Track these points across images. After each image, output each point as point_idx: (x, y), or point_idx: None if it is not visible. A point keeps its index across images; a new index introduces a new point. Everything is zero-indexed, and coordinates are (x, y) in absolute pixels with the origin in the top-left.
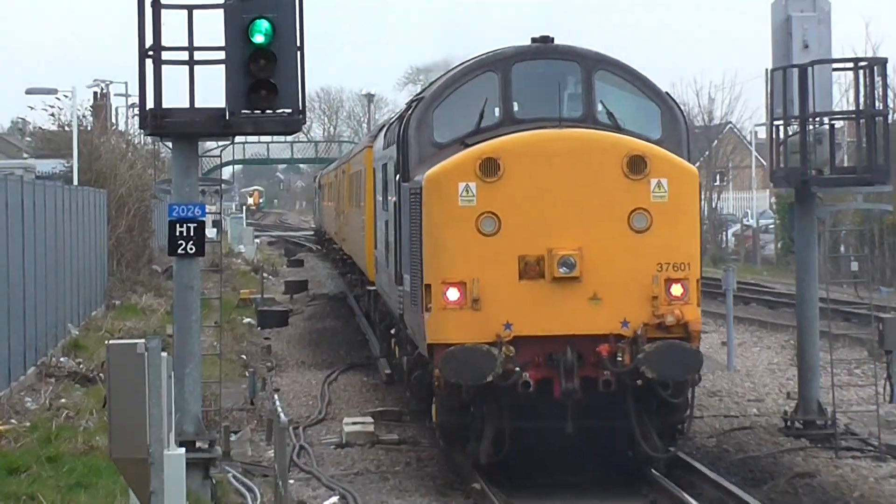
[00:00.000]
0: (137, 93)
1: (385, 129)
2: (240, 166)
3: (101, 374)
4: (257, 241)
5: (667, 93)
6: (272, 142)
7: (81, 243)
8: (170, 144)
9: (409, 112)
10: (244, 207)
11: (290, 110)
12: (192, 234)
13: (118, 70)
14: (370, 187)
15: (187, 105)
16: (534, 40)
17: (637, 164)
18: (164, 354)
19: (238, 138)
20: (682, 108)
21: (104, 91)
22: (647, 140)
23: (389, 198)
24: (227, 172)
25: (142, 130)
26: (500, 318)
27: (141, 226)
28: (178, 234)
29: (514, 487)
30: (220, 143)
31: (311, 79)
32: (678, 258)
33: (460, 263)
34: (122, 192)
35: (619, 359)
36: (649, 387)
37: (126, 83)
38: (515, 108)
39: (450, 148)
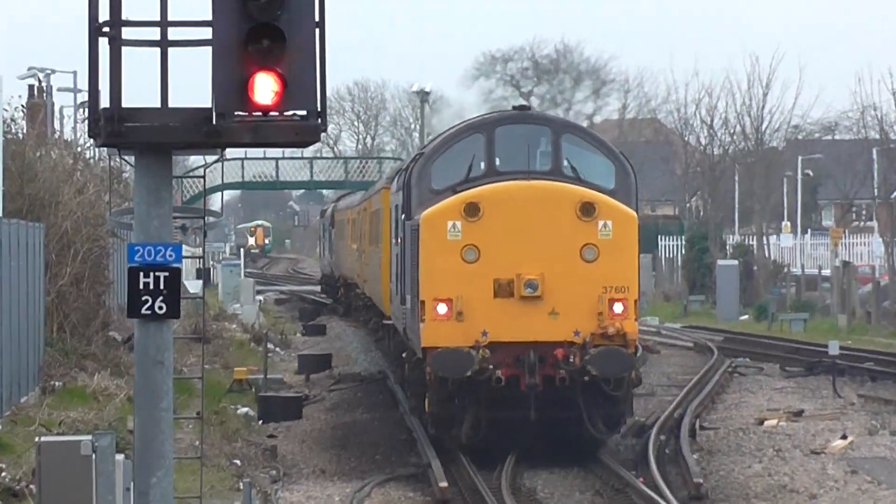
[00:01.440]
0: (87, 87)
1: (397, 175)
2: (236, 192)
3: (31, 486)
4: (260, 298)
5: (621, 152)
6: (283, 157)
7: (6, 299)
8: (132, 159)
9: (412, 165)
10: (242, 250)
11: (304, 112)
12: (161, 286)
13: (63, 55)
14: (387, 226)
15: (157, 104)
16: (514, 108)
17: (587, 209)
18: (120, 457)
19: (233, 152)
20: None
21: (42, 84)
22: (603, 190)
23: (399, 235)
24: (216, 200)
25: (93, 140)
26: (479, 327)
27: (93, 275)
28: (141, 286)
29: (488, 462)
30: (208, 160)
31: (340, 70)
32: (620, 282)
33: (448, 284)
34: (66, 227)
35: (572, 360)
36: (595, 383)
37: (74, 73)
38: (497, 162)
39: (444, 193)
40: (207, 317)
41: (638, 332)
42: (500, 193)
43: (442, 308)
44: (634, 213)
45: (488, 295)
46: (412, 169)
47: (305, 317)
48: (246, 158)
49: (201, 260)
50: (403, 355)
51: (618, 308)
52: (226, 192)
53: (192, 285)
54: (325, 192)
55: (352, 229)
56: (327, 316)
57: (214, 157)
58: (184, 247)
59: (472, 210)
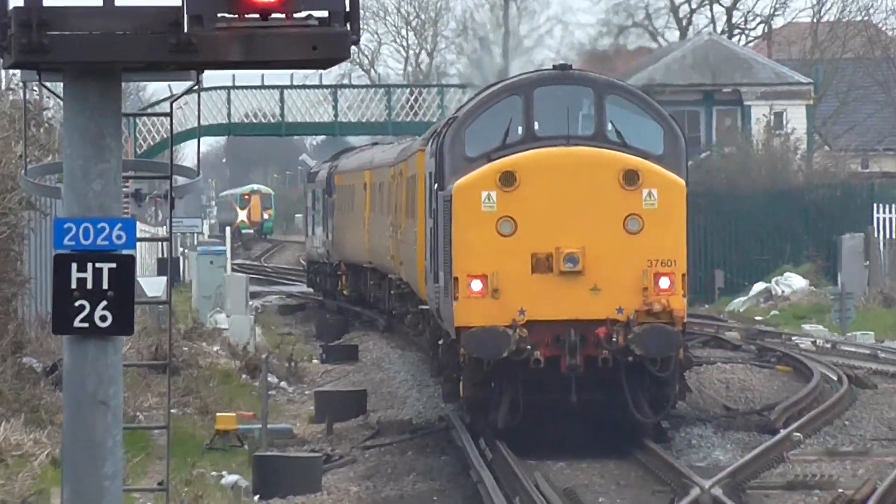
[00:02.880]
0: None
1: (432, 138)
2: (219, 140)
3: None
4: (257, 304)
5: (671, 115)
6: (291, 87)
7: None
8: (59, 88)
9: (445, 130)
10: (228, 230)
11: (324, 14)
12: (105, 285)
13: None
14: (423, 196)
15: (99, 1)
16: (554, 67)
17: (631, 177)
18: None
19: (215, 78)
20: None
21: None
22: (650, 156)
23: (432, 207)
24: (189, 153)
25: None
26: (516, 305)
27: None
28: (74, 285)
29: (526, 449)
30: (176, 90)
31: None
32: (666, 256)
33: (482, 259)
34: None
35: (615, 339)
36: (640, 363)
37: None
38: (536, 126)
39: (478, 161)
40: (176, 333)
41: (686, 308)
42: (537, 161)
43: (476, 285)
44: (682, 181)
45: (525, 270)
46: (445, 134)
47: (327, 333)
48: (235, 88)
49: (166, 245)
50: (440, 343)
51: (664, 283)
52: (204, 140)
53: (152, 284)
54: (351, 138)
55: (371, 198)
56: (360, 332)
57: (186, 86)
58: (138, 224)
59: (508, 179)
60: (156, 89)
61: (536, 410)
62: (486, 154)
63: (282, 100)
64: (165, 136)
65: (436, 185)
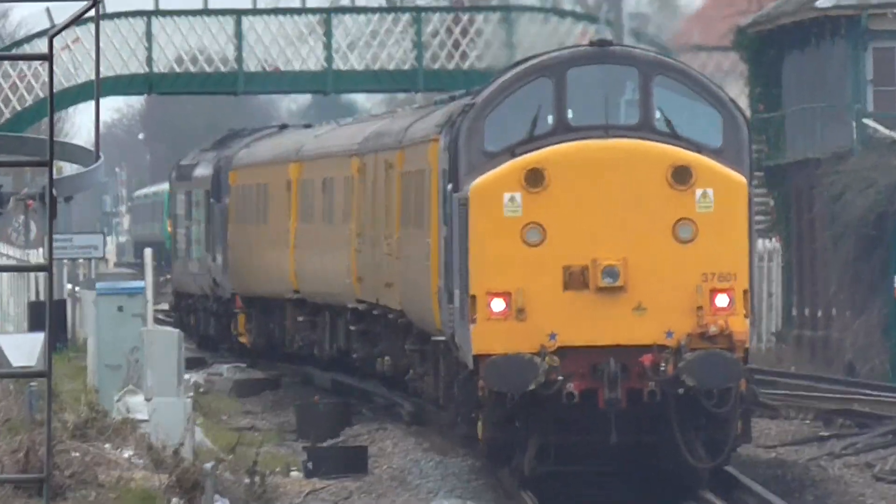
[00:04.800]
0: None
1: (446, 126)
2: (134, 101)
3: None
4: (196, 377)
5: (731, 99)
6: (251, 10)
7: None
8: None
9: (461, 119)
10: (149, 253)
11: None
12: None
13: None
14: (435, 197)
15: None
16: (591, 43)
17: (682, 175)
18: None
19: None
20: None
21: None
22: (706, 148)
23: (446, 211)
24: (82, 123)
25: None
26: (545, 328)
27: None
28: None
29: (557, 501)
30: (57, 21)
31: None
32: (724, 269)
33: (505, 274)
34: None
35: (663, 369)
36: (695, 398)
37: None
38: (569, 115)
39: (500, 157)
40: (60, 428)
41: (748, 331)
42: (570, 157)
43: (498, 304)
44: (744, 179)
45: (556, 287)
46: (460, 124)
47: (314, 426)
48: (159, 14)
49: (43, 279)
50: (457, 380)
51: (721, 301)
52: (110, 104)
53: (20, 345)
54: (355, 98)
55: (302, 202)
56: (371, 424)
57: (77, 8)
58: None
59: (535, 178)
60: (26, 16)
61: (570, 454)
62: (509, 148)
63: (238, 34)
64: (42, 94)
65: (449, 184)
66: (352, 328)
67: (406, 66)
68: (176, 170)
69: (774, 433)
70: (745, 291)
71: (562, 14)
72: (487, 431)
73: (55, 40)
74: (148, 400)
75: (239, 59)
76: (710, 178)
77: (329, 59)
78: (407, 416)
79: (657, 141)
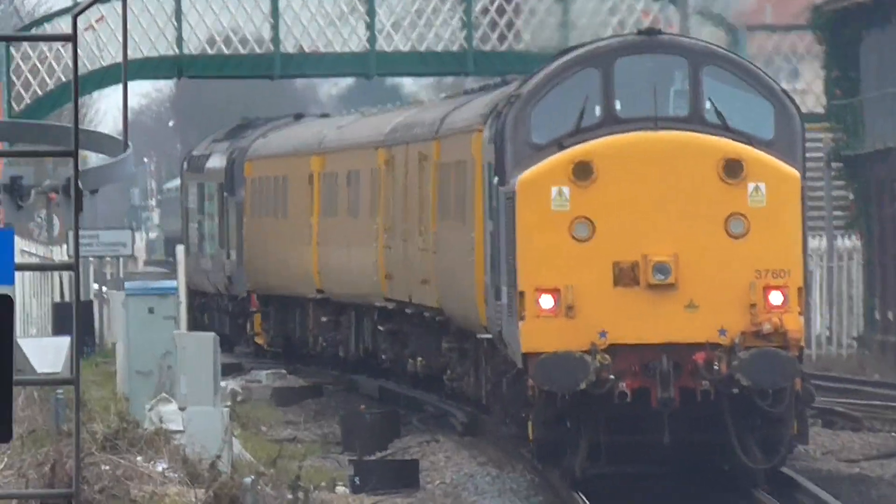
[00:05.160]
0: None
1: (492, 120)
2: (163, 86)
3: None
4: (234, 385)
5: (783, 90)
6: None
7: None
8: None
9: (507, 110)
10: (182, 250)
11: None
12: None
13: None
14: (479, 190)
15: None
16: (639, 32)
17: (734, 168)
18: None
19: None
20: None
21: None
22: (758, 141)
23: (492, 205)
24: (108, 110)
25: None
26: (595, 325)
27: None
28: None
29: (610, 502)
30: None
31: None
32: (778, 265)
33: (554, 270)
34: None
35: (716, 367)
36: (749, 398)
37: None
38: (618, 106)
39: (547, 149)
40: (88, 440)
41: (803, 329)
42: (619, 149)
43: (547, 301)
44: (797, 173)
45: (606, 283)
46: (506, 115)
47: (361, 438)
48: None
49: (68, 278)
50: (505, 379)
51: (776, 298)
52: (138, 89)
53: (44, 350)
54: (400, 82)
55: (325, 195)
56: (422, 435)
57: None
58: (17, 240)
59: (583, 171)
60: None
61: (622, 454)
62: (556, 140)
63: (275, 13)
64: (65, 79)
65: (496, 178)
66: (380, 328)
67: (455, 48)
68: (187, 161)
69: (858, 447)
70: (799, 289)
71: None
72: (537, 432)
73: (78, 20)
74: (182, 409)
75: (275, 40)
76: (762, 171)
77: (372, 39)
78: (460, 426)
79: (708, 133)
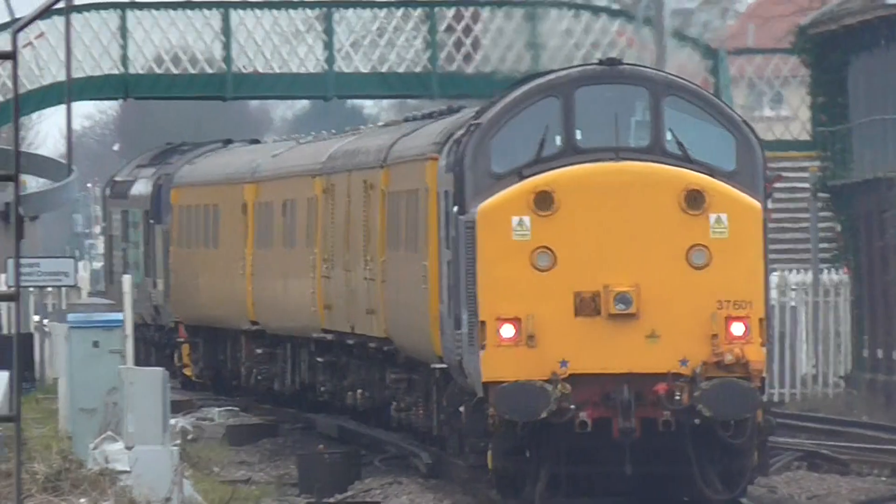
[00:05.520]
0: None
1: (447, 145)
2: (107, 107)
3: None
4: (184, 423)
5: (744, 120)
6: (239, 2)
7: None
8: None
9: (466, 137)
10: (127, 279)
11: None
12: None
13: None
14: (434, 219)
15: None
16: (600, 62)
17: (695, 199)
18: None
19: None
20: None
21: None
22: (719, 172)
23: (450, 234)
24: (49, 131)
25: None
26: (556, 355)
27: None
28: None
29: None
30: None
31: None
32: (739, 296)
33: (514, 299)
34: None
35: (678, 398)
36: (709, 428)
37: None
38: (578, 136)
39: (507, 178)
40: (28, 480)
41: (765, 359)
42: (580, 179)
43: (507, 330)
44: (759, 204)
45: (567, 313)
46: (465, 144)
47: (318, 480)
48: (134, 5)
49: (10, 307)
50: (461, 409)
51: (737, 329)
52: (82, 110)
53: None
54: (361, 104)
55: (261, 224)
56: (384, 477)
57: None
58: None
59: (544, 201)
60: None
61: (582, 485)
62: (516, 170)
63: (226, 31)
64: (4, 98)
65: (455, 207)
66: (318, 360)
67: (418, 69)
68: (110, 186)
69: (845, 491)
70: (760, 319)
71: (594, 10)
72: (497, 461)
73: (21, 37)
74: (129, 448)
75: (227, 59)
76: (723, 202)
77: (330, 59)
78: (424, 467)
79: (669, 164)
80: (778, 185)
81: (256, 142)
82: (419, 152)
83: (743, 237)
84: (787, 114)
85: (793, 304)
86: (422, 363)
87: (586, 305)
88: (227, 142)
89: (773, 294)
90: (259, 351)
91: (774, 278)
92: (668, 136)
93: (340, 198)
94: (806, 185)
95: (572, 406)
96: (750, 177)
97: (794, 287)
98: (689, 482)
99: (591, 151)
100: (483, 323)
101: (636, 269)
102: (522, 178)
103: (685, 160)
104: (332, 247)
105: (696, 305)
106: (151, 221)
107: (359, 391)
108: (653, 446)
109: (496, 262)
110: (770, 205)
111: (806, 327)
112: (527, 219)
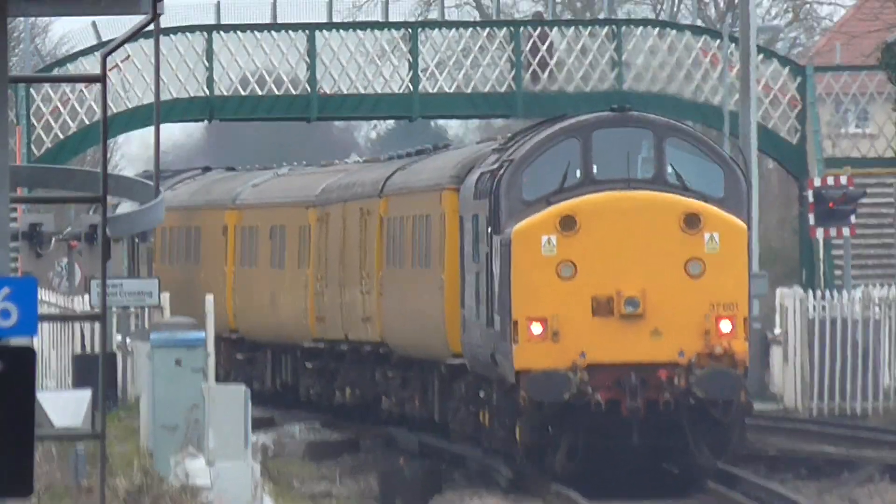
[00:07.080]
0: None
1: (471, 176)
2: (193, 129)
3: None
4: (265, 439)
5: (730, 156)
6: (325, 24)
7: None
8: None
9: (501, 172)
10: (210, 299)
11: None
12: None
13: None
14: (454, 239)
15: None
16: (612, 109)
17: (692, 221)
18: None
19: (187, 13)
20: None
21: None
22: (711, 199)
23: (483, 250)
24: (133, 154)
25: None
26: (576, 347)
27: None
28: None
29: (587, 494)
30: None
31: None
32: (728, 299)
33: (542, 302)
34: None
35: (677, 383)
36: (702, 407)
37: None
38: (594, 170)
39: (536, 205)
40: (111, 496)
41: (748, 352)
42: (597, 205)
43: (536, 328)
44: (744, 225)
45: (586, 313)
46: (501, 176)
47: (401, 494)
48: (220, 28)
49: (94, 327)
50: (481, 394)
51: (725, 326)
52: (168, 132)
53: (64, 404)
54: (445, 125)
55: (245, 246)
56: (466, 489)
57: (131, 23)
58: (39, 290)
59: (567, 223)
60: (69, 31)
61: (596, 455)
62: (544, 197)
63: (311, 53)
64: (88, 122)
65: (489, 228)
66: (307, 365)
67: (503, 89)
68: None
69: None
70: (744, 318)
71: (679, 28)
72: (525, 436)
73: (108, 60)
74: (210, 464)
75: (312, 80)
76: (715, 223)
77: (415, 80)
78: (504, 482)
79: (670, 192)
80: (862, 201)
81: (232, 169)
82: (434, 183)
83: (731, 252)
84: (873, 131)
85: (876, 318)
86: (419, 360)
87: (602, 307)
88: (207, 169)
89: (857, 308)
90: (240, 356)
91: (858, 293)
92: (670, 169)
93: (335, 224)
94: (890, 199)
95: (589, 390)
96: (736, 202)
97: (877, 302)
98: (684, 453)
99: (606, 182)
100: (516, 322)
101: (643, 277)
102: (549, 204)
103: (683, 189)
104: (325, 267)
105: (692, 307)
106: (136, 240)
107: (347, 389)
108: (655, 422)
109: (528, 272)
110: (854, 220)
111: (890, 342)
112: (553, 237)
